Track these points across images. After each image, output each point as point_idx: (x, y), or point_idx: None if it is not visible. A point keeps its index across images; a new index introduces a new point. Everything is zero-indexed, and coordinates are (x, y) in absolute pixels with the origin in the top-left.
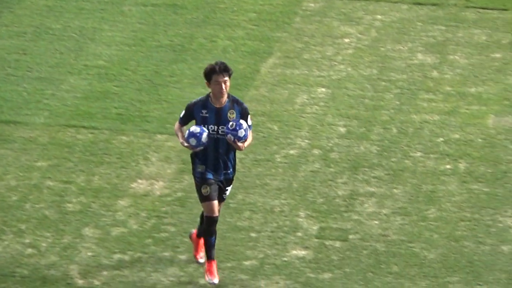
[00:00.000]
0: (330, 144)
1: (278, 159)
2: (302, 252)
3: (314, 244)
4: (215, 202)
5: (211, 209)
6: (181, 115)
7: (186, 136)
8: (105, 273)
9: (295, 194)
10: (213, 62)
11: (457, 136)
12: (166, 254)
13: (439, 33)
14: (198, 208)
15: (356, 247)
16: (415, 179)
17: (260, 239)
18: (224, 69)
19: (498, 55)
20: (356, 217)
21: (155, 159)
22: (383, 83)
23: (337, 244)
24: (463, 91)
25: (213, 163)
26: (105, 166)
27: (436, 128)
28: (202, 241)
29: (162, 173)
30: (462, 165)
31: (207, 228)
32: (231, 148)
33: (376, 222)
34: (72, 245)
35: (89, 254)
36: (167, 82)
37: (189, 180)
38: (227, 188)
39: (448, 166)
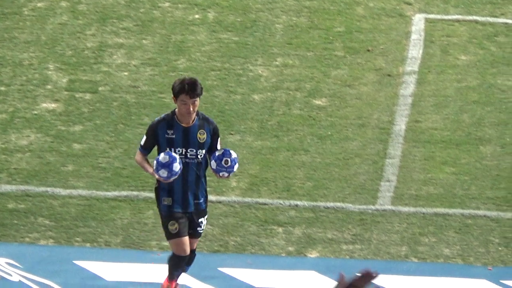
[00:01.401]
0: None
1: (26, 12)
2: (52, 105)
3: (64, 97)
4: (185, 239)
5: (181, 247)
6: (142, 142)
7: (154, 167)
8: None
9: (44, 47)
10: (182, 78)
11: None
12: None
13: None
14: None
15: (106, 99)
16: (164, 29)
17: (10, 93)
18: (193, 89)
19: None
20: (105, 68)
21: None
22: None
23: (87, 96)
24: None
25: (181, 193)
26: None
27: None
28: (174, 284)
29: None
30: (211, 15)
31: (176, 266)
32: (201, 174)
33: (126, 73)
34: None
35: None
36: None
37: None
38: (200, 220)
39: (197, 16)
